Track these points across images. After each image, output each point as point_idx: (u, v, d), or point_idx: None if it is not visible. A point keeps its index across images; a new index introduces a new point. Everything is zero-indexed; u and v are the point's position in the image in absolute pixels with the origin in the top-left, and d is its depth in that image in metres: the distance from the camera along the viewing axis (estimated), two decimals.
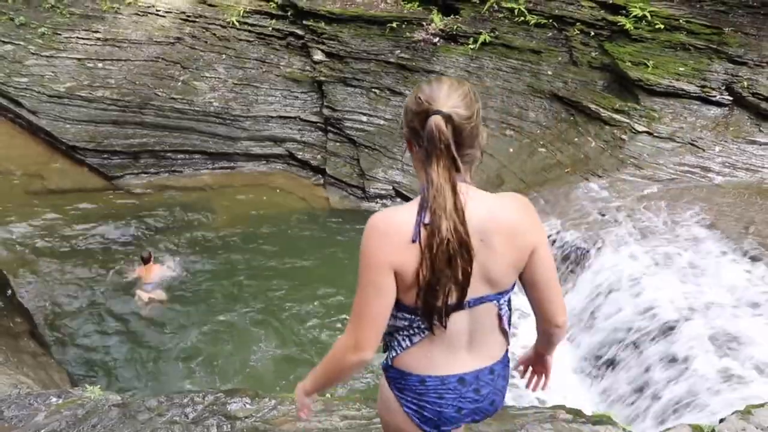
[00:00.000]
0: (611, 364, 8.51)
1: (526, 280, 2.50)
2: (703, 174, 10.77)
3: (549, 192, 11.22)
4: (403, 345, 2.46)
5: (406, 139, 2.38)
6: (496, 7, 13.87)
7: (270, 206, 13.46)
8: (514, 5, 13.59)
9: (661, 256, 8.96)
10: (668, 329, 8.00)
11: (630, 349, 8.33)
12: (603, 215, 10.13)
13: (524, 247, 2.40)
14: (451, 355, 2.45)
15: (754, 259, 8.46)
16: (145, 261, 11.00)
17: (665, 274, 8.65)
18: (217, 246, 12.00)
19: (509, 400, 8.12)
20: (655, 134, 11.52)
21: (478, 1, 14.06)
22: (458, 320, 2.39)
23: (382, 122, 13.96)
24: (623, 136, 11.66)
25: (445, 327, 2.35)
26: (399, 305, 2.38)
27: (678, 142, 11.37)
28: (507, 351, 2.66)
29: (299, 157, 14.52)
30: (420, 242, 2.23)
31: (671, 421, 7.17)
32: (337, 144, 14.26)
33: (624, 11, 12.60)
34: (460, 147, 2.26)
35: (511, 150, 12.53)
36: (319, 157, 14.41)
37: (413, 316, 2.39)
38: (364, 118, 14.10)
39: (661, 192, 10.40)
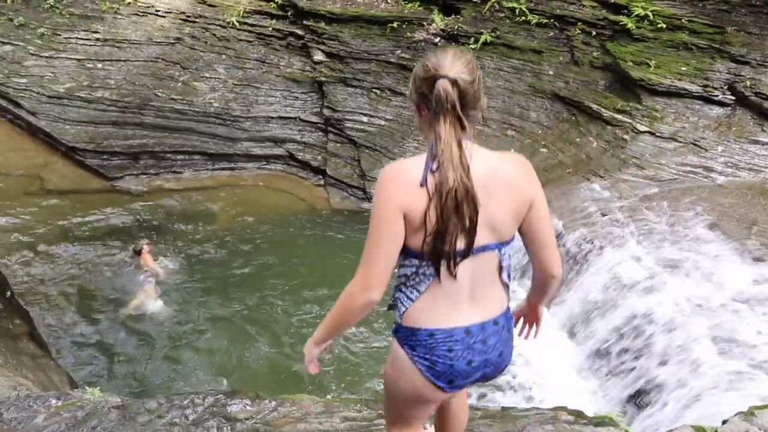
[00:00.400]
0: (613, 364, 8.48)
1: (525, 231, 2.68)
2: (706, 174, 10.74)
3: (550, 192, 11.17)
4: (412, 297, 2.62)
5: (416, 104, 2.58)
6: (497, 7, 13.84)
7: (270, 207, 13.43)
8: (515, 5, 13.56)
9: (663, 257, 8.93)
10: (670, 330, 7.97)
11: (632, 350, 8.30)
12: (605, 215, 10.10)
13: (523, 200, 2.58)
14: (455, 307, 2.60)
15: (757, 259, 8.42)
16: (138, 253, 11.10)
17: (667, 275, 8.62)
18: (217, 247, 11.97)
19: (510, 401, 8.11)
20: (657, 134, 11.49)
21: (479, 1, 14.03)
22: (461, 270, 2.54)
23: (382, 123, 13.93)
24: (625, 136, 11.62)
25: (455, 273, 2.52)
26: (407, 251, 2.54)
27: (680, 142, 11.33)
28: (508, 307, 2.81)
29: (299, 157, 14.48)
30: (428, 187, 2.42)
31: (673, 422, 7.14)
32: (338, 145, 14.23)
33: (626, 10, 12.57)
34: (464, 108, 2.45)
35: (513, 150, 12.48)
36: (319, 157, 14.38)
37: (420, 262, 2.55)
38: (365, 119, 14.07)
39: (663, 192, 10.36)
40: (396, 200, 2.46)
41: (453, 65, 2.44)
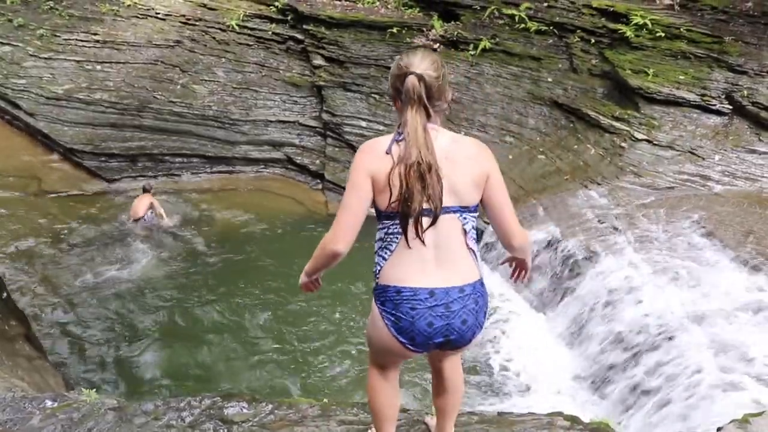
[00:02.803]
0: (609, 371, 8.48)
1: (485, 202, 2.99)
2: (703, 182, 10.77)
3: (548, 199, 11.21)
4: (384, 257, 2.95)
5: (392, 97, 3.00)
6: (496, 14, 13.88)
7: (268, 211, 13.43)
8: (514, 12, 13.61)
9: (660, 265, 8.94)
10: (667, 338, 7.98)
11: (628, 357, 8.30)
12: (602, 223, 10.12)
13: (481, 171, 2.93)
14: (422, 269, 2.89)
15: (753, 268, 8.44)
16: (145, 190, 12.59)
17: (664, 283, 8.64)
18: (214, 250, 11.97)
19: (506, 407, 8.10)
20: (654, 142, 11.53)
21: (478, 8, 14.08)
22: (427, 234, 2.85)
23: (381, 128, 13.94)
24: (623, 144, 11.65)
25: (422, 236, 2.84)
26: (378, 214, 2.95)
27: (678, 151, 11.37)
28: (481, 279, 3.04)
29: (298, 161, 14.50)
30: (392, 154, 2.83)
31: (668, 430, 7.15)
32: (336, 149, 14.25)
33: (625, 19, 12.63)
34: (430, 99, 2.87)
35: (511, 157, 12.51)
36: (317, 162, 14.40)
37: (390, 222, 2.91)
38: (364, 124, 14.09)
39: (660, 200, 10.39)
40: (364, 166, 2.88)
41: (421, 63, 2.87)
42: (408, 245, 2.87)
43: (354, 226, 2.91)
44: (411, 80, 2.84)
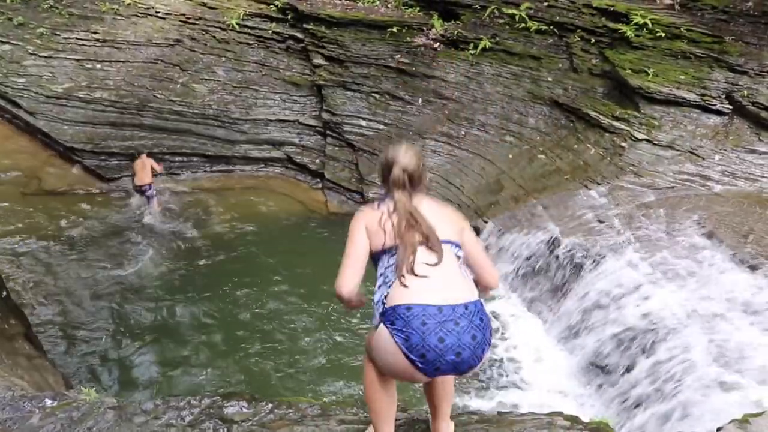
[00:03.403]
0: (608, 371, 8.48)
1: (465, 253, 3.48)
2: (703, 182, 10.76)
3: (548, 198, 11.21)
4: (389, 285, 3.24)
5: (381, 179, 3.61)
6: (497, 13, 13.87)
7: (268, 210, 13.43)
8: (515, 11, 13.60)
9: (660, 265, 8.94)
10: (666, 337, 7.98)
11: (628, 357, 8.31)
12: (602, 222, 10.12)
13: (458, 224, 3.54)
14: (426, 289, 3.15)
15: (752, 267, 8.44)
16: (139, 153, 13.33)
17: (663, 282, 8.63)
18: (213, 249, 11.97)
19: (506, 407, 8.11)
20: (654, 142, 11.52)
21: (479, 7, 14.07)
22: (422, 252, 3.29)
23: (381, 127, 13.94)
24: (623, 144, 11.65)
25: (414, 273, 3.20)
26: (375, 257, 3.42)
27: (678, 150, 11.36)
28: (480, 300, 3.31)
29: (298, 161, 14.50)
30: (384, 209, 3.43)
31: (668, 429, 7.15)
32: (336, 148, 14.24)
33: (625, 19, 12.62)
34: (412, 184, 3.51)
35: (511, 156, 12.51)
36: (317, 161, 14.39)
37: (387, 258, 3.35)
38: (364, 123, 14.08)
39: (660, 200, 10.39)
40: (360, 221, 3.48)
41: (404, 157, 3.52)
42: (413, 271, 3.22)
43: (354, 273, 3.39)
44: (396, 172, 3.48)
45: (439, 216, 3.49)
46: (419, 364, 3.04)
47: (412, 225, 3.32)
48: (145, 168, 13.32)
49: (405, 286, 3.16)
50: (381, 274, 3.36)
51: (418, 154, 3.59)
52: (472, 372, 3.30)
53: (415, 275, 3.18)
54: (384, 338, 3.13)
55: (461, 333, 3.06)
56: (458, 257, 3.39)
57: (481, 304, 3.24)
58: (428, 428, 4.14)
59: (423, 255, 3.26)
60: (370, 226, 3.42)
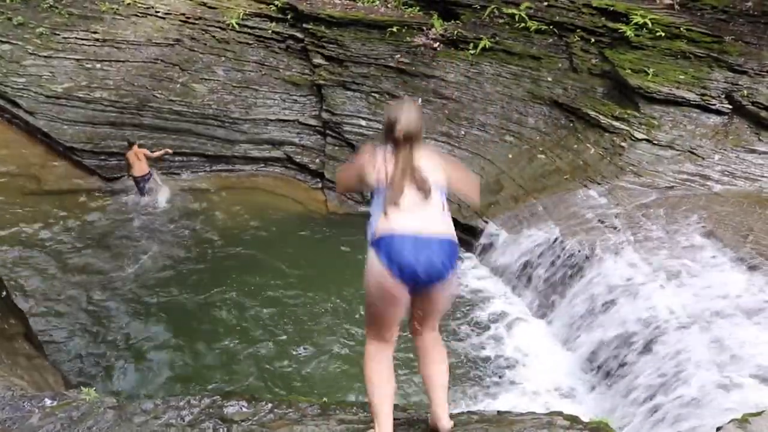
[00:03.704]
0: (608, 371, 8.48)
1: (453, 184, 4.04)
2: (703, 182, 10.76)
3: (548, 198, 11.21)
4: (378, 218, 3.73)
5: (385, 135, 3.93)
6: (496, 13, 13.87)
7: (267, 210, 13.42)
8: (514, 11, 13.60)
9: (660, 264, 8.94)
10: (666, 337, 7.98)
11: (628, 356, 8.30)
12: (602, 222, 10.12)
13: (446, 171, 3.99)
14: (409, 222, 3.68)
15: (752, 267, 8.43)
16: (131, 144, 13.43)
17: (663, 282, 8.63)
18: (213, 248, 11.97)
19: (506, 406, 8.11)
20: (654, 142, 11.51)
21: (478, 7, 14.06)
22: (413, 200, 3.75)
23: (381, 127, 13.91)
24: (623, 144, 11.65)
25: (402, 205, 3.71)
26: (372, 192, 3.87)
27: (677, 150, 11.36)
28: (455, 239, 3.85)
29: (297, 160, 14.48)
30: (387, 160, 3.86)
31: (668, 428, 7.15)
32: (336, 148, 14.23)
33: (625, 18, 12.62)
34: (413, 140, 3.87)
35: (510, 156, 12.51)
36: (317, 160, 14.38)
37: (380, 197, 3.78)
38: (363, 123, 14.08)
39: (660, 200, 10.39)
40: (367, 155, 3.95)
41: (408, 116, 3.85)
42: (399, 204, 3.72)
43: (347, 179, 4.21)
44: (398, 133, 3.83)
45: (433, 166, 3.91)
46: (398, 275, 3.60)
47: (409, 175, 3.78)
48: (140, 158, 13.45)
49: (390, 219, 3.69)
50: (373, 211, 3.83)
51: (419, 110, 3.97)
52: (447, 291, 3.87)
53: (400, 210, 3.71)
54: (372, 260, 3.68)
55: (433, 254, 3.64)
56: (443, 204, 3.87)
57: (454, 242, 3.82)
58: (428, 428, 4.14)
59: (412, 195, 3.76)
60: (373, 162, 3.89)
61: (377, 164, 3.86)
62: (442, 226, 3.81)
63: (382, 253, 3.64)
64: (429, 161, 3.92)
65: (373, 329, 3.87)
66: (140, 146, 13.70)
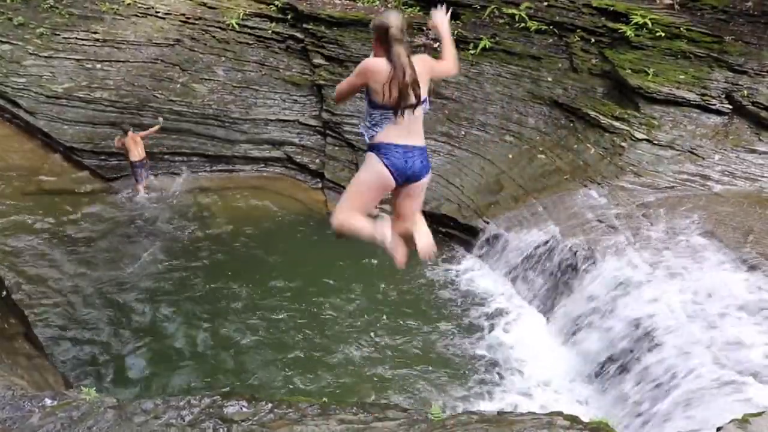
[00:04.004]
0: (609, 370, 8.49)
1: (435, 68, 4.97)
2: (703, 182, 10.76)
3: (548, 198, 11.21)
4: (379, 129, 4.67)
5: (375, 40, 4.65)
6: (496, 13, 13.86)
7: (268, 210, 13.42)
8: (515, 11, 13.59)
9: (660, 264, 8.95)
10: (666, 337, 7.98)
11: (628, 357, 8.31)
12: (602, 222, 10.12)
13: (430, 72, 4.85)
14: (401, 135, 4.65)
15: (752, 267, 8.44)
16: (125, 131, 13.57)
17: (663, 282, 8.64)
18: (213, 249, 11.96)
19: (506, 406, 8.14)
20: (654, 142, 11.51)
21: (478, 7, 14.06)
22: (406, 116, 4.61)
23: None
24: (623, 144, 11.65)
25: (404, 118, 4.61)
26: (375, 105, 4.63)
27: (677, 150, 11.35)
28: (425, 146, 4.84)
29: (297, 160, 14.48)
30: (390, 70, 4.51)
31: (668, 428, 7.15)
32: (336, 148, 14.23)
33: (625, 18, 12.61)
34: (404, 40, 4.58)
35: (510, 156, 12.51)
36: (317, 161, 14.38)
37: (382, 111, 4.61)
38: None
39: (660, 200, 10.39)
40: (364, 71, 4.59)
41: (396, 18, 4.58)
42: (395, 123, 4.61)
43: (350, 90, 4.80)
44: (394, 31, 4.53)
45: (422, 70, 4.70)
46: (395, 174, 4.67)
47: (407, 83, 4.52)
48: (138, 143, 13.61)
49: (390, 133, 4.63)
50: (372, 117, 4.71)
51: (402, 16, 4.74)
52: (424, 181, 4.87)
53: (397, 125, 4.62)
54: (375, 159, 4.69)
55: (415, 159, 4.70)
56: (424, 112, 4.77)
57: (425, 149, 4.83)
58: (428, 428, 4.15)
59: (407, 112, 4.62)
60: (376, 78, 4.54)
61: (377, 73, 4.55)
62: (421, 139, 4.81)
63: (383, 156, 4.67)
64: (420, 65, 4.71)
65: (355, 207, 4.85)
66: (135, 131, 13.85)
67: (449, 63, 5.11)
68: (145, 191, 13.79)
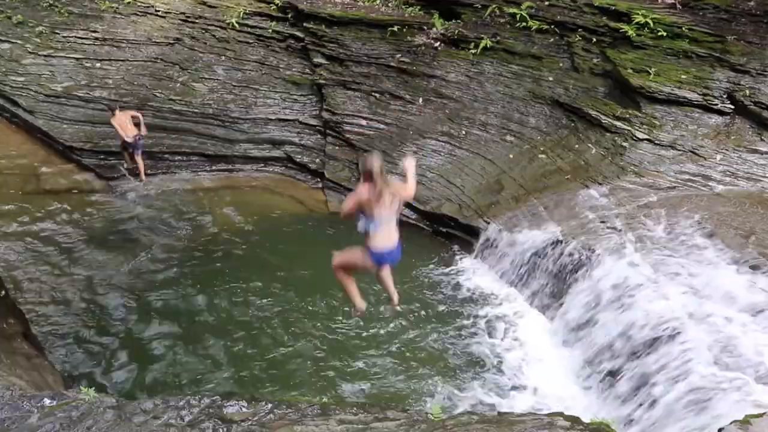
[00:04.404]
0: (609, 370, 8.47)
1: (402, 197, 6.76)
2: (704, 182, 10.74)
3: (548, 198, 11.19)
4: (371, 234, 6.49)
5: (363, 175, 6.37)
6: (498, 12, 13.84)
7: (267, 209, 13.40)
8: (516, 10, 13.57)
9: (661, 265, 8.93)
10: (667, 338, 7.96)
11: (629, 357, 8.29)
12: (603, 222, 10.10)
13: (400, 192, 6.61)
14: (384, 238, 6.55)
15: (754, 268, 8.42)
16: (112, 109, 13.41)
17: (665, 283, 8.62)
18: (212, 248, 11.94)
19: (506, 406, 8.12)
20: (656, 142, 11.50)
21: (479, 6, 14.04)
22: (388, 219, 6.48)
23: (381, 126, 13.92)
24: (624, 144, 11.63)
25: (382, 225, 6.49)
26: (365, 215, 6.42)
27: (679, 150, 11.34)
28: (399, 241, 6.73)
29: (298, 160, 14.47)
30: (370, 192, 6.34)
31: (669, 429, 7.13)
32: (336, 147, 14.21)
33: (626, 18, 12.58)
34: (383, 175, 6.37)
35: (511, 156, 12.49)
36: (317, 160, 14.37)
37: (368, 220, 6.41)
38: (364, 122, 14.06)
39: (661, 200, 10.37)
40: (359, 192, 6.36)
41: (376, 162, 6.34)
42: (378, 229, 6.45)
43: (349, 209, 6.46)
44: (376, 170, 6.29)
45: (395, 191, 6.49)
46: (377, 264, 6.77)
47: (385, 200, 6.36)
48: (127, 122, 13.47)
49: (375, 238, 6.50)
50: (365, 222, 6.46)
51: (381, 158, 6.58)
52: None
53: (379, 230, 6.46)
54: (367, 254, 6.66)
55: (391, 255, 6.71)
56: (397, 216, 6.56)
57: (399, 244, 6.68)
58: (428, 428, 4.13)
59: (385, 214, 6.44)
60: (364, 197, 6.35)
61: (366, 199, 6.34)
62: (396, 236, 6.66)
63: (372, 256, 6.67)
64: (394, 188, 6.50)
65: (348, 261, 6.99)
66: (122, 109, 13.71)
67: (410, 192, 6.70)
68: (137, 177, 13.85)
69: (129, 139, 13.44)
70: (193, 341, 9.50)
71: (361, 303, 7.31)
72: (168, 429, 4.33)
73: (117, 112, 13.39)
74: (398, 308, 7.55)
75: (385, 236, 6.51)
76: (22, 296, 10.21)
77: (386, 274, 7.20)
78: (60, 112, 15.09)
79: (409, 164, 6.82)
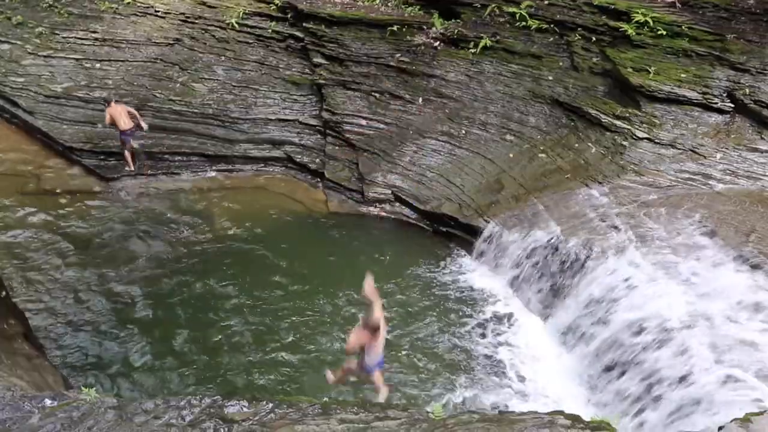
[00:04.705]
0: (611, 371, 8.48)
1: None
2: (704, 181, 10.74)
3: (549, 197, 11.19)
4: (366, 357, 7.34)
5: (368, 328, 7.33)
6: (497, 12, 13.83)
7: (267, 209, 13.39)
8: (515, 10, 13.56)
9: (661, 264, 8.93)
10: (668, 337, 7.97)
11: (629, 357, 8.30)
12: (603, 221, 10.10)
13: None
14: (375, 355, 7.38)
15: (754, 266, 8.42)
16: (108, 102, 13.54)
17: (665, 282, 8.62)
18: (213, 248, 11.94)
19: (507, 405, 8.11)
20: (656, 141, 11.49)
21: (479, 6, 14.03)
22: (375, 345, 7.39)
23: (381, 126, 13.91)
24: (624, 142, 11.62)
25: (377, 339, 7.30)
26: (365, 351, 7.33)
27: (679, 149, 11.33)
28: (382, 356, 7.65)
29: (298, 160, 14.46)
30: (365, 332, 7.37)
31: (671, 428, 7.14)
32: (336, 147, 14.20)
33: (626, 17, 12.57)
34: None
35: (511, 155, 12.49)
36: (317, 160, 14.36)
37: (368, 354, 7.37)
38: (364, 122, 14.05)
39: (661, 199, 10.37)
40: (356, 331, 7.47)
41: (368, 282, 7.09)
42: (373, 346, 7.19)
43: (354, 345, 7.30)
44: (368, 289, 7.00)
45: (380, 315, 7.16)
46: (368, 372, 7.49)
47: (377, 326, 7.09)
48: (122, 113, 13.59)
49: (369, 354, 7.19)
50: (366, 360, 7.31)
51: (372, 281, 7.13)
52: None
53: (370, 355, 7.26)
54: (357, 365, 7.41)
55: (379, 366, 7.50)
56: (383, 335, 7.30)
57: (383, 356, 7.55)
58: (429, 427, 4.13)
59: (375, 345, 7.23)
60: (362, 337, 7.19)
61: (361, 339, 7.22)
62: (382, 352, 7.44)
63: (366, 368, 7.44)
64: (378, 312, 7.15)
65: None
66: (117, 102, 13.83)
67: (380, 316, 7.13)
68: (135, 167, 14.01)
69: (125, 128, 13.63)
70: (193, 341, 9.51)
71: (335, 381, 8.23)
72: (169, 429, 4.34)
73: (113, 103, 13.56)
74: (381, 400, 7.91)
75: (375, 354, 7.31)
76: (23, 296, 10.21)
77: (376, 377, 7.80)
78: (60, 112, 15.09)
79: (369, 287, 7.06)
